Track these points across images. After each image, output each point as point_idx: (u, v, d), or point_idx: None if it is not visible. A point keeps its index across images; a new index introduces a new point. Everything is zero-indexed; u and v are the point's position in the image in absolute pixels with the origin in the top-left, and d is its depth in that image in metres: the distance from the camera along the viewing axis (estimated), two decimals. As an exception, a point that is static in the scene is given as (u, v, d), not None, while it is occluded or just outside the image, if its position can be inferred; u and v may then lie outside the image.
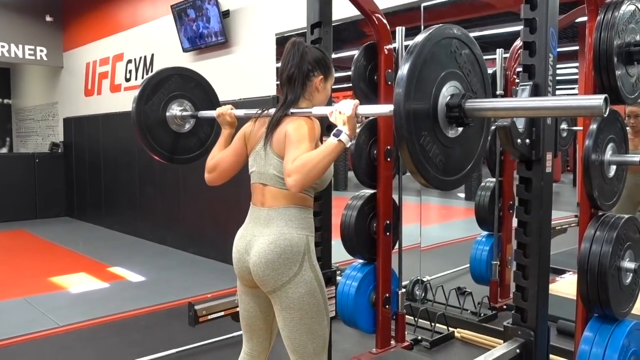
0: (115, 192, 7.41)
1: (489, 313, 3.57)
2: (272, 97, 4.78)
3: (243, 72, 5.27)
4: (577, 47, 4.79)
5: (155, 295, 4.39)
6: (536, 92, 1.77)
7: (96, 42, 7.79)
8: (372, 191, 2.97)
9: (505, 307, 3.68)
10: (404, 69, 1.29)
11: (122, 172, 7.14)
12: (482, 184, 3.83)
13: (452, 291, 3.68)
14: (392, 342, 3.05)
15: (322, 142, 1.69)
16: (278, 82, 1.82)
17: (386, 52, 2.81)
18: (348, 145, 1.58)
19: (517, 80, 3.36)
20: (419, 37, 1.34)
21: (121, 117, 7.00)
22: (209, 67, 5.61)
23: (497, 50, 3.57)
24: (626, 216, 2.01)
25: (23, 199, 8.29)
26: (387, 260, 2.93)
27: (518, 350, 1.80)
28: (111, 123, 7.36)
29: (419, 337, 3.25)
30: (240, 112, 1.97)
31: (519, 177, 1.84)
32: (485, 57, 1.56)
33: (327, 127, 1.90)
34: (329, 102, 1.89)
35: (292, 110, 1.73)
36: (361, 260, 3.00)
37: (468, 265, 3.87)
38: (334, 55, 2.46)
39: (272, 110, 1.76)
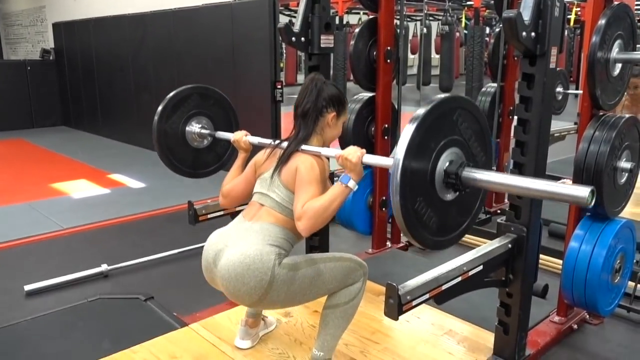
0: (111, 100, 7.29)
1: (483, 217, 3.64)
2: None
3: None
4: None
5: (155, 200, 4.46)
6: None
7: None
8: (370, 94, 2.92)
9: (499, 211, 3.75)
10: (404, 138, 1.33)
11: (116, 78, 6.98)
12: (483, 89, 3.76)
13: (448, 196, 3.72)
14: (388, 243, 3.14)
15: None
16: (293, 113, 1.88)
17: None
18: (354, 190, 1.67)
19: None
20: (421, 110, 1.37)
21: (112, 21, 6.74)
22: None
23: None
24: (627, 115, 1.99)
25: (18, 108, 8.17)
26: (385, 163, 2.94)
27: (510, 245, 1.84)
28: (102, 28, 7.08)
29: (414, 239, 3.33)
30: (255, 140, 2.06)
31: (522, 73, 1.79)
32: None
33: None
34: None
35: (303, 146, 1.77)
36: (359, 164, 3.01)
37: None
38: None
39: (285, 144, 1.82)
